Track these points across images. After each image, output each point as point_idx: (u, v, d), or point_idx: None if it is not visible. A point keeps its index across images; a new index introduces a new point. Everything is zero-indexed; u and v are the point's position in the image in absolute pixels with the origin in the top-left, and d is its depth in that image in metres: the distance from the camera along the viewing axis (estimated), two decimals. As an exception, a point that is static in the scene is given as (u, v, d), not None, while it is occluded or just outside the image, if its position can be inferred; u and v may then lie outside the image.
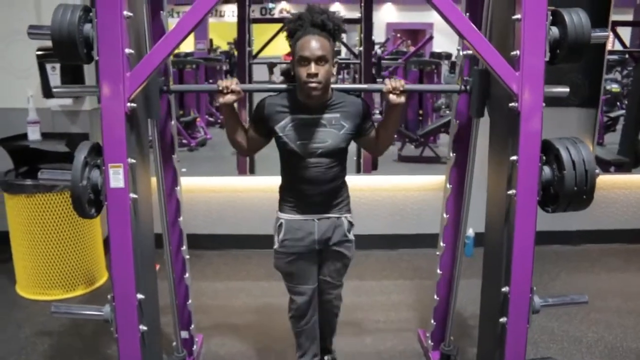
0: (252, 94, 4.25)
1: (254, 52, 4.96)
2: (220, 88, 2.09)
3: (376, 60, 5.86)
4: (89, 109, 3.86)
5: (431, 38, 7.78)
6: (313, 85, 2.08)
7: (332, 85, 2.20)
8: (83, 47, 1.85)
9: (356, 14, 4.75)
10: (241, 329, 3.20)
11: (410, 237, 4.42)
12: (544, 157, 1.95)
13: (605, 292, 3.69)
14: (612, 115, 5.52)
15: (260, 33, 5.22)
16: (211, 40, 10.30)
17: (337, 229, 2.37)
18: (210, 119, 7.54)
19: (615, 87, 5.77)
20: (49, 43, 1.85)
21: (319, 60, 2.06)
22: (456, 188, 2.58)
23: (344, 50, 7.29)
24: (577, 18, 1.84)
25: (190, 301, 2.76)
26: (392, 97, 2.10)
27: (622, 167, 4.61)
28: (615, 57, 5.60)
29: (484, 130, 2.32)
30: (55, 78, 3.64)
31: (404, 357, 2.94)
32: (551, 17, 1.87)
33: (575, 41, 1.84)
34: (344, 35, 2.20)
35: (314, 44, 2.05)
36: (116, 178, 1.87)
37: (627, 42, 5.25)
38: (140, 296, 1.96)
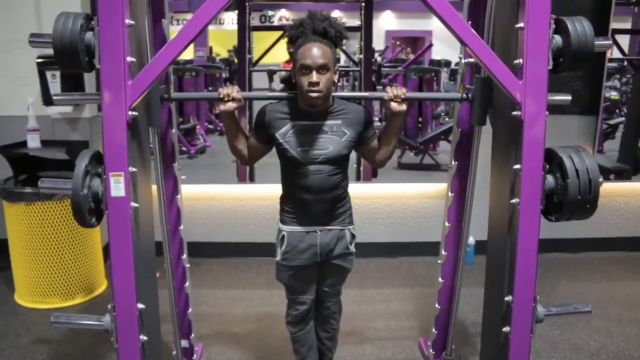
0: (252, 102, 4.25)
1: (254, 59, 4.97)
2: (221, 96, 2.08)
3: (376, 67, 5.86)
4: (89, 117, 3.85)
5: (431, 45, 7.79)
6: (315, 94, 2.06)
7: (334, 94, 2.19)
8: (84, 56, 1.84)
9: (356, 22, 4.75)
10: (241, 338, 3.18)
11: (410, 245, 4.40)
12: (547, 166, 1.94)
13: (607, 300, 3.68)
14: (611, 122, 5.53)
15: (259, 40, 5.23)
16: (211, 48, 10.32)
17: (340, 242, 2.34)
18: (210, 126, 7.54)
19: (614, 95, 5.79)
20: (49, 51, 1.84)
21: (321, 68, 2.04)
22: (458, 196, 2.57)
23: (343, 57, 7.29)
24: (580, 26, 1.83)
25: (190, 310, 2.75)
26: (393, 105, 2.09)
27: (622, 175, 4.60)
28: (614, 64, 5.61)
29: (485, 138, 2.31)
30: (55, 86, 3.63)
31: (405, 366, 2.93)
32: (554, 26, 1.87)
33: (578, 50, 1.84)
34: (344, 42, 2.19)
35: (316, 52, 2.04)
36: (117, 187, 1.86)
37: (626, 50, 5.26)
38: (140, 306, 1.94)
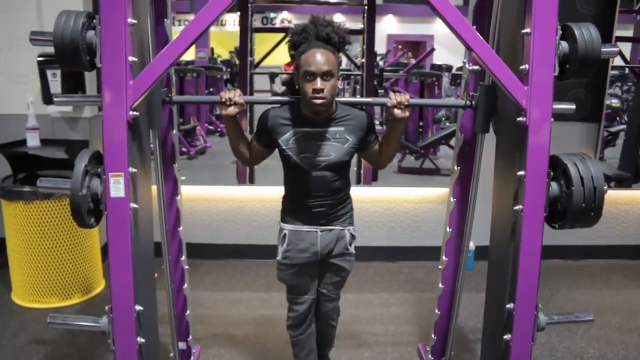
0: (254, 105, 4.23)
1: (256, 61, 4.95)
2: (223, 100, 2.06)
3: (378, 72, 5.84)
4: (89, 116, 3.83)
5: (433, 50, 7.79)
6: (319, 101, 2.06)
7: (337, 99, 2.18)
8: (86, 54, 1.82)
9: (358, 25, 4.75)
10: (239, 341, 3.16)
11: (410, 249, 4.39)
12: (552, 173, 1.93)
13: (607, 308, 3.66)
14: (612, 130, 5.52)
15: (260, 42, 5.22)
16: (212, 49, 10.31)
17: (340, 241, 2.35)
18: (210, 127, 7.53)
19: (615, 102, 5.78)
20: (50, 49, 1.82)
21: (325, 75, 2.03)
22: (460, 202, 2.55)
23: (344, 60, 7.28)
24: (587, 33, 1.82)
25: (188, 312, 2.73)
26: (397, 111, 2.08)
27: (622, 183, 4.59)
28: (615, 72, 5.61)
29: (487, 144, 2.30)
30: (55, 84, 3.63)
31: (404, 372, 2.91)
32: (561, 32, 1.86)
33: (585, 56, 1.82)
34: (347, 47, 2.18)
35: (320, 59, 2.02)
36: (117, 187, 1.84)
37: (628, 58, 5.26)
38: (138, 308, 1.92)
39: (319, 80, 2.03)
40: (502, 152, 2.15)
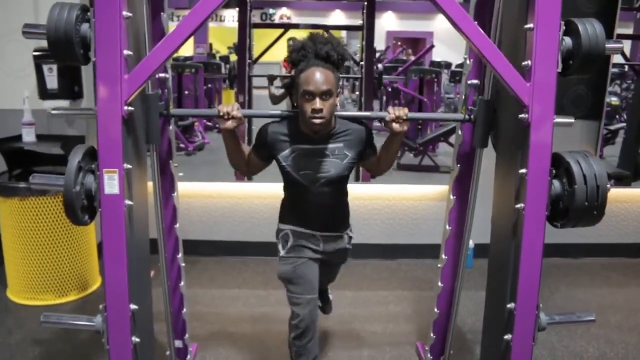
0: (252, 103, 4.23)
1: (254, 57, 4.93)
2: (221, 114, 2.04)
3: (377, 75, 5.78)
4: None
5: (432, 47, 7.75)
6: (318, 121, 2.05)
7: (335, 113, 2.17)
8: (80, 48, 1.78)
9: (357, 21, 4.72)
10: (237, 338, 3.14)
11: (409, 247, 4.36)
12: (554, 171, 1.90)
13: (606, 307, 3.64)
14: (611, 127, 5.50)
15: (259, 38, 5.19)
16: (211, 45, 10.26)
17: (339, 245, 2.43)
18: (209, 123, 7.48)
19: (614, 100, 5.77)
20: (46, 43, 1.79)
21: (324, 94, 2.03)
22: (460, 200, 2.52)
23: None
24: (591, 28, 1.78)
25: (185, 310, 2.70)
26: (395, 126, 2.07)
27: (622, 181, 4.56)
28: (615, 70, 5.59)
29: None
30: (52, 79, 3.60)
31: (402, 371, 2.89)
32: (564, 27, 1.83)
33: (589, 52, 1.79)
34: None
35: (319, 78, 2.02)
36: (111, 184, 1.80)
37: (627, 55, 5.24)
38: (133, 307, 1.89)
39: (317, 100, 2.02)
40: (503, 149, 2.12)
